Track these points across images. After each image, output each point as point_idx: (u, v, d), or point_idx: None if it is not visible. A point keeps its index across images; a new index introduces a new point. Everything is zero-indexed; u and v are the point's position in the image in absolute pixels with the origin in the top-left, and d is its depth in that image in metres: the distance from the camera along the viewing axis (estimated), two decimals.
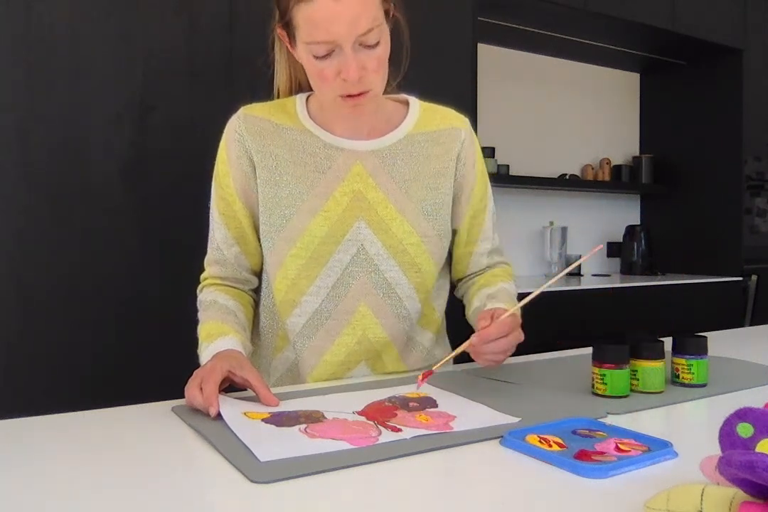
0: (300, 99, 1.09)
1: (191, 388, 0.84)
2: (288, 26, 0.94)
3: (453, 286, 1.22)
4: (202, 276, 1.12)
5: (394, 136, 1.07)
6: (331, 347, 1.06)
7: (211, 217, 1.10)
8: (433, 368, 0.95)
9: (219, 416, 0.80)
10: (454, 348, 1.23)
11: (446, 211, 1.10)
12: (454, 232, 1.15)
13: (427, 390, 0.95)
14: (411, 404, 0.87)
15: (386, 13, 0.95)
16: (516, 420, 0.80)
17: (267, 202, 1.05)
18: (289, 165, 1.04)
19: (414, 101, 1.12)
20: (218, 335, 0.98)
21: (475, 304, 1.10)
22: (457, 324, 1.21)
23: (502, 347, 0.92)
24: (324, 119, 1.06)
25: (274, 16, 0.99)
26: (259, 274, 1.13)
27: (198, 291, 1.11)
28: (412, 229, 1.05)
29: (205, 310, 1.05)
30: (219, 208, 1.08)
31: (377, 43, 0.93)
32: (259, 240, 1.09)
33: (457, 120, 1.12)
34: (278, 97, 1.12)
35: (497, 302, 1.05)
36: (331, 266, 1.03)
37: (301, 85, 1.11)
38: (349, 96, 0.95)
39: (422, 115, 1.10)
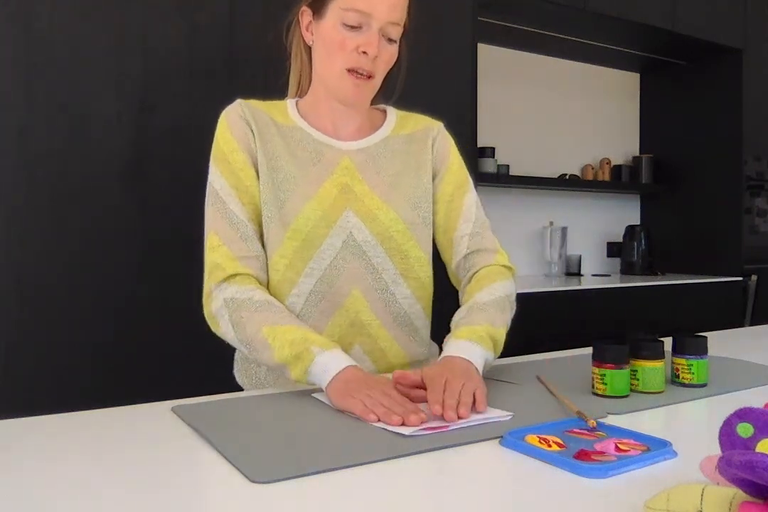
0: (290, 102, 1.16)
1: (368, 406, 0.80)
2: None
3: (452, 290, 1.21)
4: (224, 274, 1.01)
5: (376, 137, 1.15)
6: (325, 328, 1.08)
7: (216, 206, 1.04)
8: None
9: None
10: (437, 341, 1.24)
11: (429, 201, 1.15)
12: (433, 221, 1.17)
13: None
14: None
15: (404, 26, 1.06)
16: (508, 414, 0.81)
17: (265, 184, 1.07)
18: (284, 153, 1.09)
19: (391, 109, 1.21)
20: (329, 346, 0.92)
21: (455, 319, 1.05)
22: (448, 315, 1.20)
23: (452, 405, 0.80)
24: (313, 119, 1.13)
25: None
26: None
27: (223, 287, 1.01)
28: (397, 217, 1.09)
29: (263, 311, 0.97)
30: (229, 182, 1.05)
31: (394, 41, 1.05)
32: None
33: (430, 122, 1.22)
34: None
35: (456, 335, 0.98)
36: (324, 250, 1.07)
37: (301, 94, 1.18)
38: (357, 74, 1.03)
39: (399, 120, 1.19)
